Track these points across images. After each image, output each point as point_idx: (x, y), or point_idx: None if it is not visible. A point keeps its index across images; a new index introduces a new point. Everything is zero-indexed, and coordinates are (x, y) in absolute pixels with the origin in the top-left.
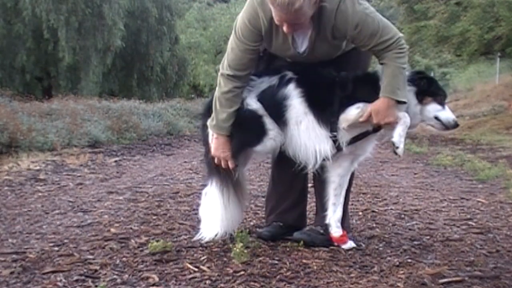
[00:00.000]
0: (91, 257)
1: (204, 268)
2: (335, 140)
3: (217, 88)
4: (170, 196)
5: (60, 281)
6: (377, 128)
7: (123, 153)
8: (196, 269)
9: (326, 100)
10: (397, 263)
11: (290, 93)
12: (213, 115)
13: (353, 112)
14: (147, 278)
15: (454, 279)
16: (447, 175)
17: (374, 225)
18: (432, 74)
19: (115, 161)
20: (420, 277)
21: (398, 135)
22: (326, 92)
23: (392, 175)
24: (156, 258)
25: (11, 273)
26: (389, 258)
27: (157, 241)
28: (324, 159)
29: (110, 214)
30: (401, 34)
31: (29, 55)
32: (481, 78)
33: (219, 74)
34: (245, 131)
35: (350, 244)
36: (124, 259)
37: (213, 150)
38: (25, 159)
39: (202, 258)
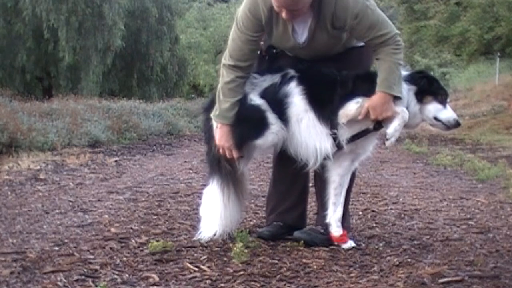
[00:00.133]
0: (91, 257)
1: (204, 268)
2: (335, 138)
3: (220, 79)
4: (170, 196)
5: (60, 281)
6: (378, 127)
7: (123, 153)
8: (196, 269)
9: (327, 98)
10: (397, 262)
11: (292, 91)
12: (216, 105)
13: (352, 107)
14: (147, 278)
15: (454, 278)
16: (447, 175)
17: (374, 224)
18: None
19: (115, 161)
20: (420, 276)
21: (393, 129)
22: (327, 90)
23: (392, 175)
24: (156, 258)
25: (11, 273)
26: (389, 258)
27: (157, 241)
28: (325, 158)
29: (110, 214)
30: (398, 31)
31: (29, 55)
32: (481, 78)
33: (221, 64)
34: (247, 124)
35: (350, 243)
36: (124, 259)
37: (217, 140)
38: (25, 159)
39: (202, 258)
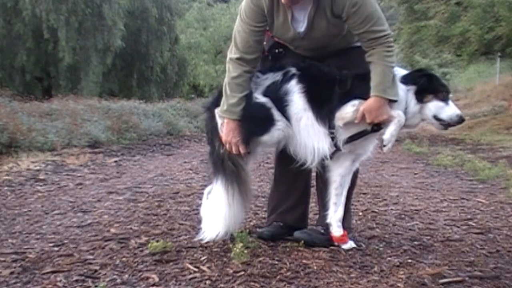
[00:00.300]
0: (91, 257)
1: (204, 268)
2: (333, 137)
3: (226, 75)
4: (170, 196)
5: (60, 281)
6: (376, 128)
7: (123, 153)
8: (196, 269)
9: (325, 97)
10: (397, 263)
11: (292, 89)
12: (222, 101)
13: (348, 110)
14: (147, 278)
15: (454, 279)
16: (447, 175)
17: (374, 225)
18: None
19: (115, 161)
20: (420, 277)
21: (390, 134)
22: (326, 89)
23: (392, 175)
24: (156, 258)
25: (11, 273)
26: (389, 258)
27: (157, 241)
28: (324, 158)
29: (110, 214)
30: (391, 32)
31: (29, 55)
32: (481, 78)
33: (227, 60)
34: (253, 121)
35: (350, 244)
36: (124, 259)
37: (224, 136)
38: (25, 159)
39: (202, 258)
